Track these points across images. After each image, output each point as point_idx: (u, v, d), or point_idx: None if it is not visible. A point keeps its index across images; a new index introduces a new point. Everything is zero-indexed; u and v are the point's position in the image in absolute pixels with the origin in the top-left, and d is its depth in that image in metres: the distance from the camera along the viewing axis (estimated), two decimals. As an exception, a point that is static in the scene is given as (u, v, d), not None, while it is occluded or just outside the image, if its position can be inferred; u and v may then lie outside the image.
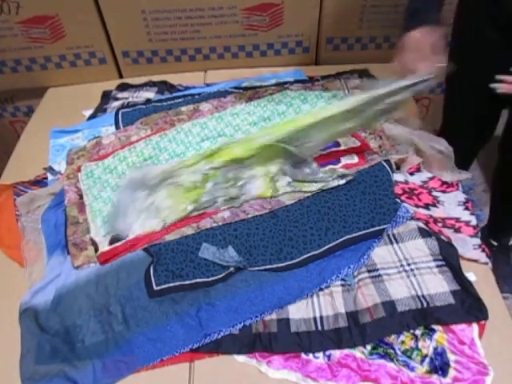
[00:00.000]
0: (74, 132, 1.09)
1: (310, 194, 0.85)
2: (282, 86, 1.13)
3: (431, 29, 0.73)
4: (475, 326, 0.68)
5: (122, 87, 1.24)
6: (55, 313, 0.73)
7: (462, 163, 0.93)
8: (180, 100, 1.13)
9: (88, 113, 1.16)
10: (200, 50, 1.26)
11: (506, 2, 0.80)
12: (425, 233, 0.79)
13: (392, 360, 0.65)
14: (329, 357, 0.66)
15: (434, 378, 0.63)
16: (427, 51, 0.73)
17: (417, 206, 0.84)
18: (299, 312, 0.71)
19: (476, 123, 1.05)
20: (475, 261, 0.77)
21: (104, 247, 0.80)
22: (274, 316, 0.71)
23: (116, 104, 1.17)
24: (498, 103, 0.99)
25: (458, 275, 0.73)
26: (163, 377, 0.66)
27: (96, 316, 0.72)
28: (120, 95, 1.21)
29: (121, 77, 1.31)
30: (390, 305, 0.70)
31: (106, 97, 1.21)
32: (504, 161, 1.10)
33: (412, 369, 0.64)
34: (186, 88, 1.23)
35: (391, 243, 0.79)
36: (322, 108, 0.90)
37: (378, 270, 0.75)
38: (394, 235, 0.80)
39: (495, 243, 1.29)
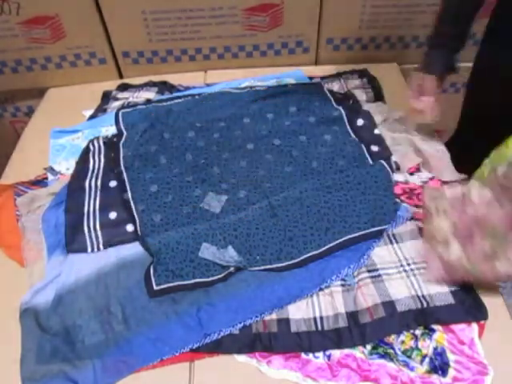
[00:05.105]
0: (74, 132, 1.09)
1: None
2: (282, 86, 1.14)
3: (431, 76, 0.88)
4: (475, 326, 0.68)
5: (123, 87, 1.24)
6: (55, 313, 0.73)
7: (471, 170, 0.92)
8: (180, 100, 1.13)
9: (88, 113, 1.16)
10: (200, 50, 1.26)
11: None
12: (425, 233, 0.79)
13: (392, 360, 0.65)
14: (329, 357, 0.66)
15: (434, 377, 0.63)
16: (429, 92, 0.89)
17: (417, 206, 0.84)
18: (299, 312, 0.71)
19: (496, 135, 1.04)
20: (475, 261, 0.77)
21: None
22: (274, 316, 0.71)
23: (116, 104, 1.17)
24: None
25: (457, 275, 0.73)
26: (163, 377, 0.66)
27: (96, 316, 0.72)
28: (120, 95, 1.21)
29: (121, 77, 1.31)
30: (389, 305, 0.70)
31: (107, 97, 1.21)
32: None
33: (412, 369, 0.64)
34: (186, 88, 1.23)
35: (391, 243, 0.79)
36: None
37: (377, 269, 0.75)
38: (393, 235, 0.80)
39: None
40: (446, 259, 0.70)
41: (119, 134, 1.04)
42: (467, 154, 0.92)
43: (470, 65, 0.98)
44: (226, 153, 0.98)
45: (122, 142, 1.00)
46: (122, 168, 0.94)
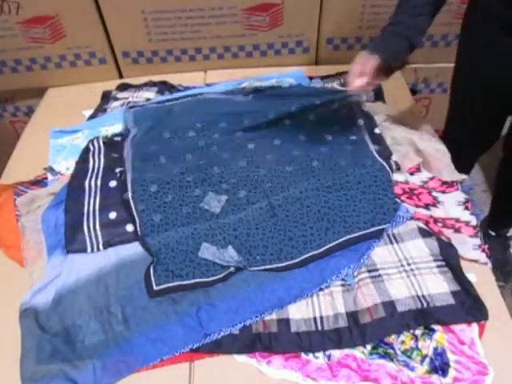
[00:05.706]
0: (74, 132, 1.09)
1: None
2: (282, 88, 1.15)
3: (375, 55, 0.84)
4: (475, 326, 0.68)
5: (122, 87, 1.24)
6: (55, 313, 0.73)
7: (464, 167, 0.93)
8: (180, 100, 1.13)
9: (88, 113, 1.16)
10: (200, 49, 1.26)
11: None
12: (425, 233, 0.79)
13: (392, 360, 0.65)
14: (329, 357, 0.66)
15: (434, 377, 0.63)
16: (367, 72, 0.85)
17: (417, 206, 0.84)
18: (299, 312, 0.71)
19: (481, 132, 1.05)
20: (475, 261, 0.77)
21: None
22: (274, 316, 0.71)
23: (116, 104, 1.17)
24: (506, 110, 0.99)
25: (457, 276, 0.73)
26: (163, 377, 0.66)
27: (96, 316, 0.72)
28: (120, 95, 1.21)
29: (121, 77, 1.31)
30: (389, 305, 0.70)
31: (106, 97, 1.21)
32: (508, 159, 1.10)
33: (412, 369, 0.64)
34: (186, 88, 1.23)
35: (391, 243, 0.79)
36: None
37: (378, 269, 0.75)
38: (393, 235, 0.80)
39: (493, 233, 1.31)
40: None
41: (125, 133, 1.04)
42: (456, 151, 0.93)
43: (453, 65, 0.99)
44: (227, 153, 0.97)
45: (130, 138, 1.01)
46: (127, 167, 0.94)
